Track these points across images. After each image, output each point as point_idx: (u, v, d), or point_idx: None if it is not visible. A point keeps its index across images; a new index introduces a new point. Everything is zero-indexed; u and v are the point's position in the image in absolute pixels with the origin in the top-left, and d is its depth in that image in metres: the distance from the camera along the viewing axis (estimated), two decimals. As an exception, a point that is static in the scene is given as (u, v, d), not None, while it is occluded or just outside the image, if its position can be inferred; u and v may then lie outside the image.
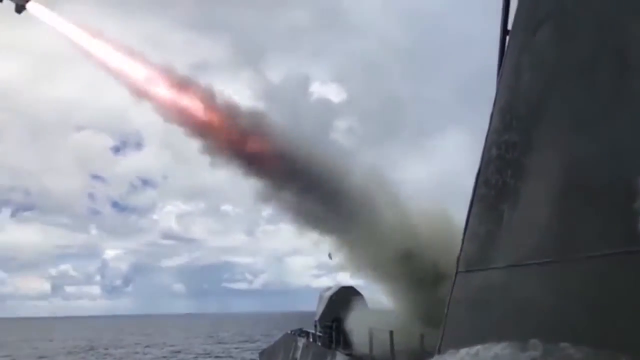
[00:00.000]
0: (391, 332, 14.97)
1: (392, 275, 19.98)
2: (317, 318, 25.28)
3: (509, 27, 6.49)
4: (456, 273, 5.97)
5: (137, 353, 61.17)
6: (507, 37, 6.48)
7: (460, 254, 6.01)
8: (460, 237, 6.15)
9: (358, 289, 23.77)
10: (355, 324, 19.72)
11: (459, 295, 5.86)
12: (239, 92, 21.01)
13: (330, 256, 23.64)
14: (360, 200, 19.85)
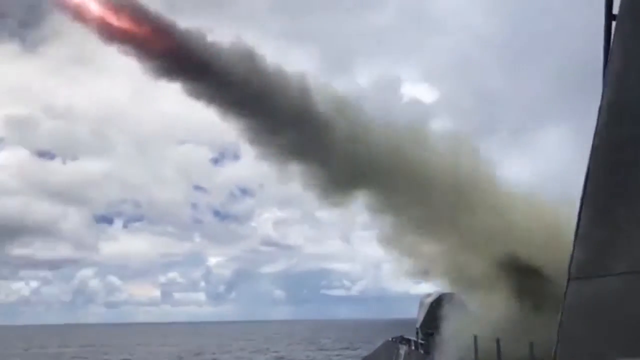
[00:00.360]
0: (498, 340, 14.38)
1: (494, 282, 19.18)
2: (418, 325, 24.90)
3: (615, 11, 6.01)
4: (568, 280, 5.57)
5: (242, 358, 63.14)
6: (613, 24, 5.99)
7: (571, 259, 5.60)
8: (571, 240, 5.74)
9: (459, 295, 23.10)
10: (457, 330, 19.15)
11: (572, 304, 5.46)
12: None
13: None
14: (457, 202, 19.28)
